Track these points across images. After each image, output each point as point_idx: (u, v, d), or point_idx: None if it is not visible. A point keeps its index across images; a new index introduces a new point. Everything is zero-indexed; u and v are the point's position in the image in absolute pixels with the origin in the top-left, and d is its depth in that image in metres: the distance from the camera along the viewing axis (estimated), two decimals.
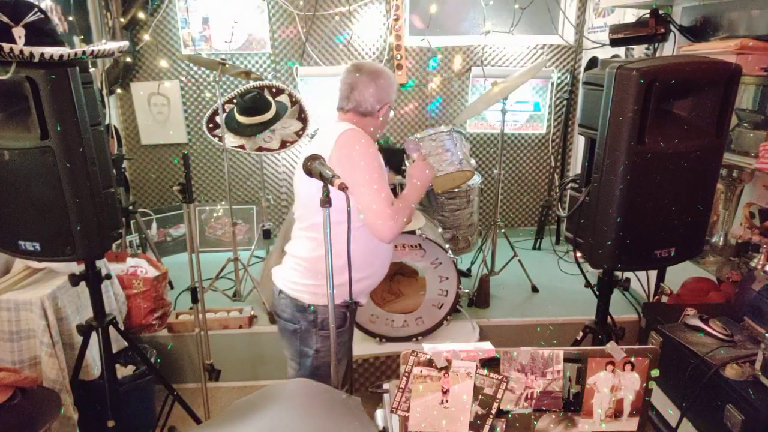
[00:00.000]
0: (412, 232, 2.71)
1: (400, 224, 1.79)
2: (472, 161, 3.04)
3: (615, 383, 1.24)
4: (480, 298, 3.34)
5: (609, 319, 2.01)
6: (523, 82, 3.30)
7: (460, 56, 4.21)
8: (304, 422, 1.36)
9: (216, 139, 3.50)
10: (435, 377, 1.20)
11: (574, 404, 1.25)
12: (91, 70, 1.78)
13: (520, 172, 4.57)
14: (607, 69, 1.60)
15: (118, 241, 3.43)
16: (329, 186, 1.45)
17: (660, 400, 2.14)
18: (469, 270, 3.77)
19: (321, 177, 1.48)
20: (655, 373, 1.23)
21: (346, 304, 1.90)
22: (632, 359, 1.22)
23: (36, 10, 1.62)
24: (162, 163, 4.38)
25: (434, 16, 4.09)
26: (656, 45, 3.08)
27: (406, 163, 3.10)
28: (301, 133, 3.66)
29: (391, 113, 2.03)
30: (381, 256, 1.99)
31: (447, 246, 2.87)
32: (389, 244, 1.97)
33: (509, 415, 1.23)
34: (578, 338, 2.05)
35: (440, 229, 3.18)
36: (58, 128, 1.59)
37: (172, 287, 3.53)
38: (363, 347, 2.87)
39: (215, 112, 3.54)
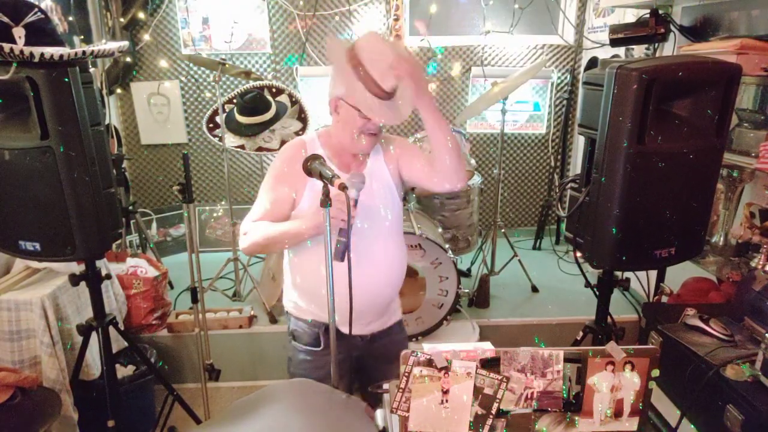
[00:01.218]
0: (412, 232, 2.71)
1: (246, 245, 1.68)
2: (472, 161, 3.05)
3: (615, 383, 1.24)
4: (480, 298, 3.34)
5: (609, 319, 2.01)
6: (523, 82, 3.29)
7: (459, 62, 4.22)
8: (304, 422, 1.36)
9: (216, 139, 3.50)
10: (435, 377, 1.20)
11: (574, 404, 1.25)
12: (91, 70, 1.78)
13: (520, 172, 4.57)
14: (607, 69, 1.60)
15: (118, 241, 3.43)
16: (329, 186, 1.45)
17: (660, 400, 2.14)
18: (469, 270, 3.77)
19: (321, 177, 1.48)
20: (655, 373, 1.23)
21: (315, 323, 1.79)
22: (632, 359, 1.22)
23: (36, 10, 1.62)
24: (162, 163, 4.38)
25: (434, 16, 4.09)
26: (656, 45, 3.08)
27: None
28: (301, 133, 3.66)
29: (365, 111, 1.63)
30: (337, 284, 1.52)
31: (447, 246, 2.87)
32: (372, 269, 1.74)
33: (509, 415, 1.23)
34: (578, 338, 2.05)
35: (440, 229, 3.18)
36: (58, 128, 1.59)
37: (172, 287, 3.53)
38: None
39: (215, 112, 3.54)
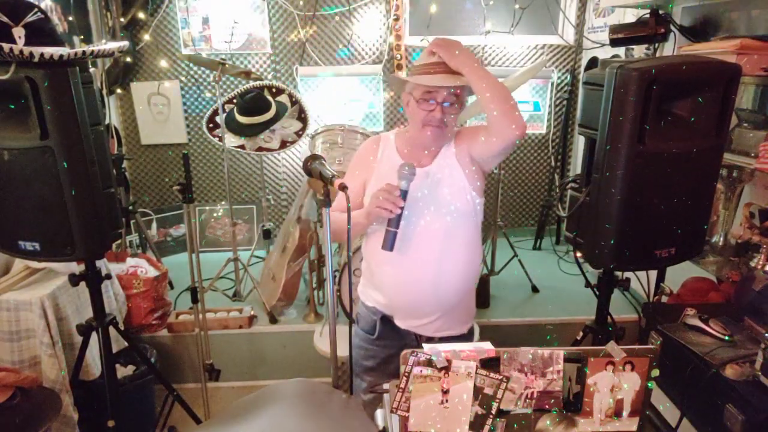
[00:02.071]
0: None
1: (330, 233, 1.79)
2: None
3: (615, 383, 1.24)
4: (480, 298, 3.33)
5: (609, 319, 2.01)
6: (523, 82, 3.29)
7: None
8: (304, 422, 1.36)
9: (216, 139, 3.50)
10: (435, 377, 1.20)
11: (574, 404, 1.25)
12: (91, 70, 1.78)
13: (520, 172, 4.57)
14: (607, 69, 1.60)
15: (118, 241, 3.43)
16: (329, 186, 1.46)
17: (660, 400, 2.13)
18: None
19: (321, 177, 1.48)
20: (655, 373, 1.23)
21: (374, 310, 1.83)
22: (632, 359, 1.22)
23: (36, 10, 1.62)
24: (162, 163, 4.38)
25: (434, 16, 4.09)
26: (656, 45, 3.08)
27: None
28: (301, 133, 3.66)
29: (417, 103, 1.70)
30: (390, 273, 1.75)
31: None
32: (406, 261, 1.72)
33: (509, 415, 1.23)
34: (578, 338, 2.05)
35: None
36: (58, 128, 1.59)
37: (172, 287, 3.53)
38: None
39: (215, 112, 3.54)
